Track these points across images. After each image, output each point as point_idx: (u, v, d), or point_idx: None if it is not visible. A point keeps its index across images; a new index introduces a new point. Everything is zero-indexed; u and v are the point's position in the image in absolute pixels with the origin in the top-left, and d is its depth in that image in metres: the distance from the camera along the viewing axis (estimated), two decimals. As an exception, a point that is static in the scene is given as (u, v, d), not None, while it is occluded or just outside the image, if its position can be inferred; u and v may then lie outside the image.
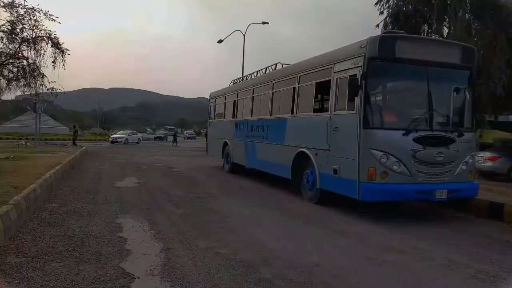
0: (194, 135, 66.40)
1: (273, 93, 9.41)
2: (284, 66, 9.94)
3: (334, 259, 4.08)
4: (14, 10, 11.34)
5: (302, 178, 7.79)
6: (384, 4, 9.28)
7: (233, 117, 12.30)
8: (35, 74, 12.42)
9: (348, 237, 5.03)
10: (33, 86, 12.37)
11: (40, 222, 5.16)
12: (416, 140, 5.80)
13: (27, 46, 12.08)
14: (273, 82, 9.43)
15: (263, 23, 23.56)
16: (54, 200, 6.74)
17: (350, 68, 6.22)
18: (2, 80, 12.21)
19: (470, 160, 6.29)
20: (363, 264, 3.97)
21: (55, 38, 12.45)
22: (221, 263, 3.83)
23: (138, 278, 3.38)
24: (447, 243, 4.93)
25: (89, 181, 9.50)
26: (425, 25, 9.01)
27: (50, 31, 12.49)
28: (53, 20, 12.03)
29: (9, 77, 12.24)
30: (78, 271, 3.46)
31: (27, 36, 11.90)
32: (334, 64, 6.74)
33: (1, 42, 11.71)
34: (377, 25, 9.57)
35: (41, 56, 12.43)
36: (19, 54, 12.14)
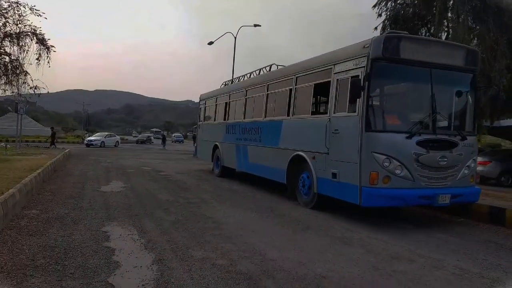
0: (182, 138, 65.21)
1: (268, 94, 9.13)
2: (279, 67, 9.68)
3: (341, 270, 3.79)
4: (-3, 3, 10.79)
5: (298, 183, 7.51)
6: (383, 6, 9.14)
7: (224, 120, 11.96)
8: (18, 71, 11.79)
9: (352, 245, 4.75)
10: (15, 84, 11.74)
11: (19, 231, 4.72)
12: (419, 143, 5.59)
13: (10, 41, 11.47)
14: (268, 83, 9.14)
15: (255, 25, 23.31)
16: (34, 206, 6.28)
17: (352, 69, 5.99)
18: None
19: (472, 164, 6.12)
20: (373, 275, 3.69)
21: (40, 34, 11.89)
22: (220, 276, 3.50)
23: (129, 295, 3.02)
24: (454, 250, 4.71)
25: (73, 185, 9.01)
26: (424, 28, 8.90)
27: (36, 26, 11.93)
28: (39, 15, 11.48)
29: (-10, 74, 11.63)
30: (60, 288, 3.08)
31: (10, 31, 11.31)
32: (334, 64, 6.50)
33: None
34: (376, 28, 9.43)
35: (25, 52, 11.83)
36: (1, 50, 11.52)
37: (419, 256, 4.34)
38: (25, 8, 11.23)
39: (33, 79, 12.18)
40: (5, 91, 11.84)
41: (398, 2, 8.86)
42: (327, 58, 6.94)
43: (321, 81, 6.97)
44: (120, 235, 4.80)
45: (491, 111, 8.42)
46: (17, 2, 11.01)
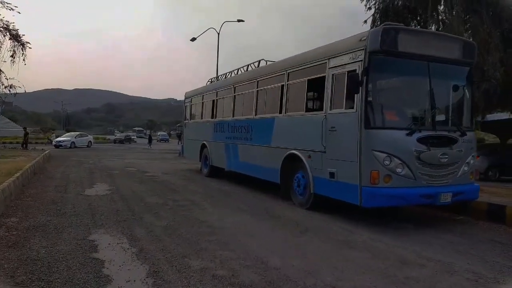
0: (168, 137, 63.84)
1: (257, 91, 8.84)
2: (268, 63, 9.40)
3: (351, 278, 3.56)
4: (-36, -3, 10.07)
5: (293, 183, 7.28)
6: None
7: (212, 118, 11.63)
8: (-10, 70, 11.11)
9: (356, 249, 4.54)
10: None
11: (-4, 242, 4.31)
12: (420, 140, 5.42)
13: (-19, 38, 10.78)
14: (258, 79, 8.86)
15: (238, 21, 22.95)
16: (14, 214, 5.84)
17: (349, 63, 5.77)
18: (-49, 76, 10.81)
19: (472, 161, 6.01)
20: (385, 283, 3.47)
21: (13, 29, 11.21)
22: (223, 290, 3.21)
23: (124, 316, 2.71)
24: (460, 251, 4.55)
25: (54, 189, 8.53)
26: (414, 21, 8.78)
27: (8, 21, 11.24)
28: (11, 9, 10.81)
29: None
30: (45, 311, 2.73)
31: (-20, 27, 10.60)
32: (329, 59, 6.27)
33: None
34: (365, 21, 9.25)
35: None
36: (-29, 48, 10.82)
37: (427, 260, 4.16)
38: None
39: (7, 78, 11.49)
40: (-20, 90, 11.14)
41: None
42: (321, 52, 6.71)
43: (315, 76, 6.73)
44: (109, 244, 4.45)
45: (484, 106, 8.39)
46: (-14, -4, 10.32)
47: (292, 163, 7.26)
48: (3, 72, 11.45)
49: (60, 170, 12.85)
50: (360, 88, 5.38)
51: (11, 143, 32.61)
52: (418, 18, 8.80)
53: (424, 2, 7.85)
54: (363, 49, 5.49)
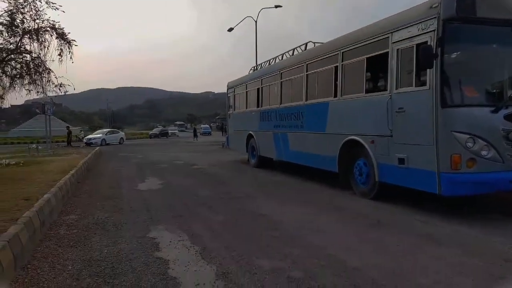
0: (210, 129, 63.18)
1: (307, 75, 8.33)
2: (316, 45, 8.83)
3: (450, 281, 3.04)
4: (13, -1, 10.41)
5: (353, 171, 6.75)
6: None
7: (257, 107, 11.26)
8: (41, 69, 11.44)
9: (442, 244, 3.97)
10: (39, 83, 11.41)
11: (58, 241, 4.22)
12: (507, 117, 4.70)
13: (29, 38, 11.08)
14: (307, 63, 8.33)
15: (276, 6, 22.28)
16: (72, 211, 5.83)
17: (418, 35, 5.12)
18: (4, 78, 11.26)
19: None
20: (498, 286, 2.93)
21: (59, 28, 11.45)
22: (303, 295, 2.83)
23: (201, 328, 2.40)
24: None
25: (108, 184, 8.59)
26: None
27: (54, 21, 11.50)
28: (56, 9, 11.02)
29: (12, 74, 11.28)
30: (115, 320, 2.50)
31: (28, 27, 10.88)
32: (391, 32, 5.63)
33: (1, 37, 10.73)
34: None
35: (46, 49, 11.38)
36: (21, 48, 11.16)
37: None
38: (40, 2, 10.77)
39: (57, 77, 11.84)
40: (29, 91, 11.55)
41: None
42: (381, 26, 6.06)
43: (376, 53, 6.11)
44: (170, 241, 4.22)
45: None
46: (32, -4, 10.58)
47: (351, 149, 6.73)
48: (52, 72, 11.78)
49: (111, 166, 13.13)
50: (434, 62, 4.73)
51: (63, 141, 34.32)
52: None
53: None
54: (435, 17, 4.82)
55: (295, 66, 8.94)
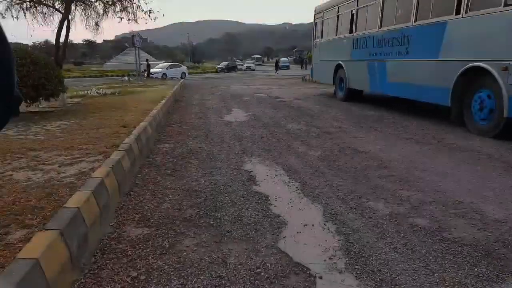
0: (289, 63, 60.95)
1: (418, -10, 6.94)
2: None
3: None
4: None
5: (471, 104, 5.69)
6: None
7: (350, 33, 10.07)
8: (131, -4, 11.59)
9: None
10: (130, 11, 11.61)
11: (157, 170, 4.21)
12: None
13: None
14: (420, -26, 6.89)
15: None
16: (166, 140, 5.89)
17: None
18: (98, 5, 11.66)
19: None
20: None
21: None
22: (439, 249, 2.33)
23: (320, 277, 2.07)
24: None
25: (196, 115, 8.64)
26: None
27: None
28: None
29: (105, 1, 11.60)
30: (223, 256, 2.29)
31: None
32: None
33: None
34: None
35: None
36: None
37: None
38: None
39: (146, 2, 11.94)
40: (121, 19, 11.83)
41: None
42: None
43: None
44: (267, 175, 3.94)
45: None
46: None
47: (471, 79, 5.61)
48: None
49: (196, 97, 13.32)
50: None
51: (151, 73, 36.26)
52: None
53: None
54: None
55: (403, -20, 7.50)
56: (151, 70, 30.84)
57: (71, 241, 2.04)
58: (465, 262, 2.18)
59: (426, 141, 5.39)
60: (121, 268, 2.17)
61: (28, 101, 6.87)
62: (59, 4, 11.25)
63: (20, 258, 1.70)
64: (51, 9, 11.58)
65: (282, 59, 60.48)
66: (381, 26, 8.37)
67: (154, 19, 11.70)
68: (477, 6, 5.50)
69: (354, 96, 10.41)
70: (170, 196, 3.35)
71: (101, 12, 11.81)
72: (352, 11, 9.97)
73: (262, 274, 2.10)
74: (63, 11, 10.72)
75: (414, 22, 7.05)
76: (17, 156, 3.89)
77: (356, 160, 4.48)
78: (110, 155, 3.69)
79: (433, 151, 4.82)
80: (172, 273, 2.12)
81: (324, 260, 2.24)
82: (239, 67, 51.94)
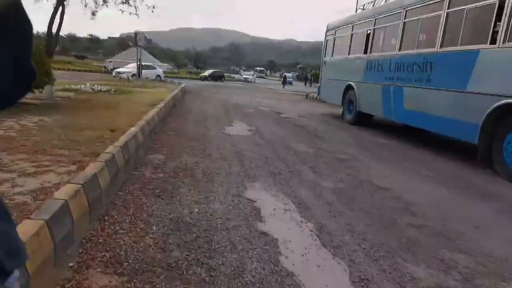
0: (292, 79, 60.04)
1: (447, 14, 6.41)
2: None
3: None
4: None
5: (501, 147, 5.10)
6: None
7: (365, 53, 9.54)
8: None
9: None
10: (132, 4, 11.04)
11: (143, 187, 3.52)
12: None
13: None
14: (451, -3, 6.38)
15: None
16: (159, 149, 5.20)
17: None
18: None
19: None
20: None
21: None
22: None
23: None
24: None
25: (194, 124, 7.97)
26: None
27: None
28: None
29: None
30: None
31: None
32: None
33: None
34: None
35: None
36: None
37: None
38: None
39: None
40: (122, 12, 11.24)
41: None
42: None
43: None
44: (274, 209, 3.27)
45: None
46: None
47: (504, 117, 5.02)
48: None
49: (196, 104, 12.67)
50: None
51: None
52: None
53: None
54: None
55: (430, 1, 6.99)
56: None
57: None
58: None
59: (451, 182, 4.75)
60: None
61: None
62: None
63: None
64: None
65: (287, 74, 59.94)
66: (400, 49, 7.83)
67: (158, 14, 11.07)
68: (518, 36, 4.96)
69: (363, 120, 9.82)
70: (154, 228, 2.65)
71: (101, 1, 11.19)
72: (368, 30, 9.47)
73: None
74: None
75: (440, 48, 6.50)
76: (-28, 155, 3.18)
77: (377, 199, 3.82)
78: (86, 166, 3.00)
79: (462, 196, 4.18)
80: None
81: None
82: (237, 77, 50.83)
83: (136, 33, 16.97)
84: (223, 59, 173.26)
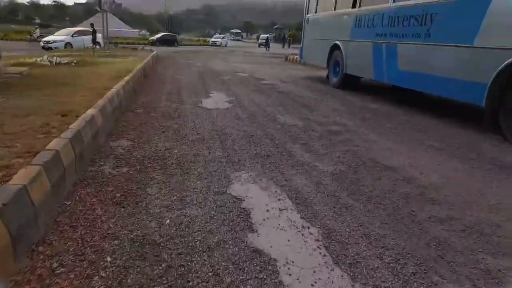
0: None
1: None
2: None
3: None
4: None
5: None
6: None
7: (353, 7, 8.67)
8: None
9: None
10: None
11: (99, 191, 2.78)
12: None
13: None
14: None
15: None
16: (124, 133, 4.41)
17: None
18: None
19: None
20: None
21: None
22: None
23: None
24: None
25: (168, 96, 7.11)
26: None
27: None
28: None
29: None
30: None
31: None
32: None
33: None
34: None
35: None
36: None
37: None
38: None
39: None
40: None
41: None
42: None
43: None
44: (267, 211, 2.61)
45: None
46: None
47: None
48: None
49: (170, 73, 11.64)
50: None
51: (121, 43, 33.51)
52: None
53: None
54: None
55: None
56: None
57: None
58: None
59: (460, 153, 4.20)
60: None
61: None
62: None
63: None
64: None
65: (263, 35, 57.80)
66: (394, 1, 7.03)
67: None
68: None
69: (349, 83, 9.14)
70: (108, 259, 1.96)
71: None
72: (356, -18, 8.55)
73: None
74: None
75: (443, -3, 5.75)
76: None
77: (386, 183, 3.22)
78: (15, 173, 2.23)
79: (480, 172, 3.63)
80: None
81: None
82: (211, 41, 48.57)
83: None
84: (198, 22, 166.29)
